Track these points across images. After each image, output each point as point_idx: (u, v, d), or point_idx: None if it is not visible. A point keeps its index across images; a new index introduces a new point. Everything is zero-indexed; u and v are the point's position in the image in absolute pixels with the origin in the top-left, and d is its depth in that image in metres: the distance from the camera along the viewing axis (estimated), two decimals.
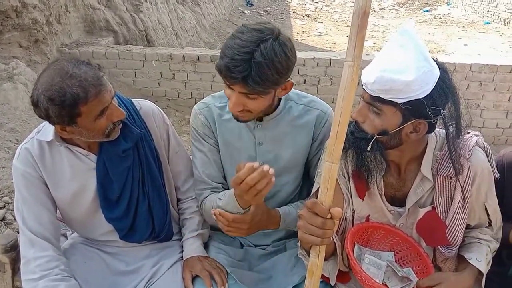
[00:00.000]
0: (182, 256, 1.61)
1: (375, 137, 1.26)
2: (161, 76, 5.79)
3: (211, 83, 5.78)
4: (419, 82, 1.15)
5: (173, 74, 5.78)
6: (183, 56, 5.69)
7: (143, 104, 1.60)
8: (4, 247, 1.59)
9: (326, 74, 5.66)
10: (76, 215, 1.55)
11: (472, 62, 5.51)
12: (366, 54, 5.90)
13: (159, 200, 1.60)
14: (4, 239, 1.60)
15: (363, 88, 1.25)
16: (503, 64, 5.51)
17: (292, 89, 1.56)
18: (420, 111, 1.20)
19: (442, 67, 1.22)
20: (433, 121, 1.23)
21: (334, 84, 5.66)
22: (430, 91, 1.17)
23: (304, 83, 5.68)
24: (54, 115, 1.29)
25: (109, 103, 1.36)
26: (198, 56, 5.68)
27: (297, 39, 11.47)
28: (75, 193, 1.50)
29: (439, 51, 10.54)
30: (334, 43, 11.36)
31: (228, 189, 1.62)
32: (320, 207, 1.05)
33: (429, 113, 1.18)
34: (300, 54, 5.66)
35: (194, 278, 1.53)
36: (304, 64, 5.61)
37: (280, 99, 1.53)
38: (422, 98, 1.17)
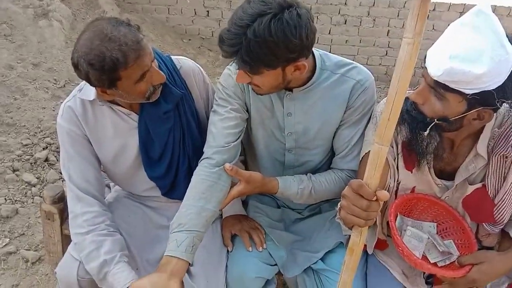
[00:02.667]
0: (221, 214, 1.64)
1: (434, 122, 1.18)
2: (195, 13, 5.63)
3: None
4: (492, 74, 1.05)
5: (207, 11, 5.61)
6: None
7: (183, 63, 1.56)
8: (52, 199, 1.66)
9: (369, 14, 5.34)
10: (119, 171, 1.59)
11: None
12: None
13: (199, 159, 1.60)
14: (52, 191, 1.68)
15: (425, 68, 1.15)
16: None
17: (332, 56, 1.47)
18: (488, 100, 1.10)
19: None
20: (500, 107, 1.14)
21: (376, 25, 5.37)
22: (502, 81, 1.07)
23: (345, 23, 5.41)
24: (94, 79, 1.28)
25: (149, 67, 1.32)
26: None
27: None
28: (117, 151, 1.52)
29: None
30: None
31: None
32: (366, 189, 1.00)
33: (498, 103, 1.09)
34: None
35: (233, 237, 1.58)
36: (345, 3, 5.31)
37: (314, 70, 1.42)
38: (492, 89, 1.07)
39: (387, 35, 5.46)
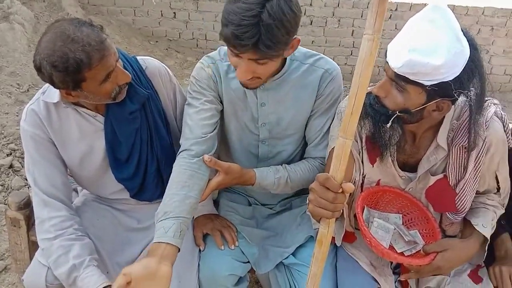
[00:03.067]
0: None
1: (396, 114, 1.23)
2: (162, 15, 5.57)
3: (213, 23, 5.56)
4: (449, 65, 1.10)
5: (174, 13, 5.55)
6: None
7: (148, 63, 1.55)
8: (17, 205, 1.62)
9: (333, 15, 5.44)
10: (86, 174, 1.56)
11: (485, 5, 5.29)
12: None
13: (168, 159, 1.59)
14: (17, 197, 1.63)
15: (387, 62, 1.19)
16: None
17: (300, 47, 1.51)
18: (446, 91, 1.16)
19: (472, 43, 1.16)
20: (457, 99, 1.19)
21: (341, 26, 5.47)
22: (459, 73, 1.13)
23: (311, 24, 5.48)
24: (58, 81, 1.26)
25: (114, 67, 1.31)
26: None
27: None
28: (84, 153, 1.50)
29: None
30: None
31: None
32: (331, 182, 1.04)
33: (455, 94, 1.14)
34: None
35: (205, 236, 1.58)
36: (311, 4, 5.38)
37: (284, 60, 1.47)
38: (449, 80, 1.13)
39: (352, 35, 5.57)
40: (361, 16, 5.43)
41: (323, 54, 1.57)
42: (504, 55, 5.54)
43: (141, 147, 1.53)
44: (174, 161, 1.61)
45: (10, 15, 4.30)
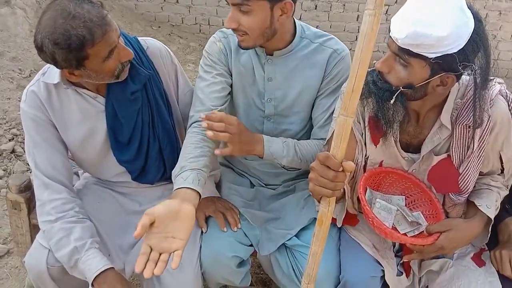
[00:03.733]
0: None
1: (400, 90, 1.21)
2: (164, 0, 5.52)
3: (216, 8, 5.49)
4: (453, 37, 1.08)
5: None
6: None
7: (150, 44, 1.53)
8: (18, 187, 1.62)
9: (338, 0, 5.36)
10: (87, 157, 1.55)
11: None
12: None
13: (169, 142, 1.59)
14: (18, 179, 1.63)
15: (390, 37, 1.17)
16: None
17: (311, 27, 1.55)
18: (450, 65, 1.13)
19: (476, 16, 1.14)
20: (462, 73, 1.17)
21: (346, 11, 5.39)
22: (463, 45, 1.10)
23: (315, 9, 5.41)
24: (61, 59, 1.24)
25: (116, 43, 1.29)
26: None
27: None
28: (85, 135, 1.49)
29: None
30: None
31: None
32: (332, 160, 1.03)
33: (460, 67, 1.12)
34: None
35: (207, 218, 1.57)
36: None
37: (294, 35, 1.49)
38: (454, 53, 1.10)
39: (357, 20, 5.50)
40: (366, 1, 5.35)
41: None
42: None
43: (142, 128, 1.51)
44: (176, 144, 1.62)
45: (12, 0, 4.27)
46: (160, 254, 1.13)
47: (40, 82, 1.43)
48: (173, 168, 1.61)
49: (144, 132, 1.53)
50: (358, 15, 5.47)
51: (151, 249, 1.12)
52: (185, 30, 5.65)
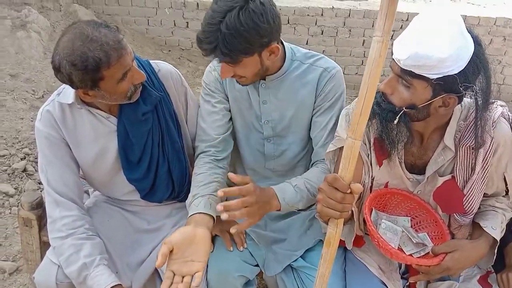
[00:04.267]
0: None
1: (403, 110, 1.24)
2: (175, 24, 5.65)
3: None
4: (453, 58, 1.12)
5: (187, 22, 5.63)
6: (197, 3, 5.50)
7: (161, 67, 1.59)
8: (30, 205, 1.65)
9: (344, 25, 5.45)
10: (98, 175, 1.59)
11: (497, 16, 5.26)
12: None
13: (178, 162, 1.62)
14: (30, 197, 1.66)
15: (393, 59, 1.21)
16: None
17: (301, 49, 1.60)
18: (451, 86, 1.17)
19: (476, 40, 1.18)
20: (464, 95, 1.20)
21: (352, 36, 5.47)
22: (463, 67, 1.14)
23: (322, 34, 5.50)
24: (77, 80, 1.29)
25: (130, 66, 1.35)
26: None
27: None
28: (97, 154, 1.53)
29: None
30: None
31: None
32: (340, 182, 1.05)
33: (461, 88, 1.15)
34: (317, 4, 5.46)
35: (213, 238, 1.59)
36: (322, 14, 5.40)
37: (284, 59, 1.54)
38: (455, 74, 1.14)
39: (363, 45, 5.58)
40: (372, 26, 5.44)
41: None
42: None
43: (152, 148, 1.55)
44: (184, 164, 1.65)
45: (27, 24, 4.41)
46: (183, 277, 1.21)
47: (55, 102, 1.48)
48: (181, 187, 1.66)
49: (154, 152, 1.56)
50: (364, 40, 5.55)
51: (174, 274, 1.21)
52: (195, 54, 5.76)
